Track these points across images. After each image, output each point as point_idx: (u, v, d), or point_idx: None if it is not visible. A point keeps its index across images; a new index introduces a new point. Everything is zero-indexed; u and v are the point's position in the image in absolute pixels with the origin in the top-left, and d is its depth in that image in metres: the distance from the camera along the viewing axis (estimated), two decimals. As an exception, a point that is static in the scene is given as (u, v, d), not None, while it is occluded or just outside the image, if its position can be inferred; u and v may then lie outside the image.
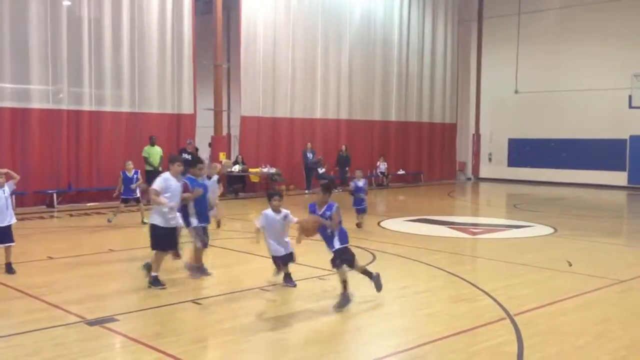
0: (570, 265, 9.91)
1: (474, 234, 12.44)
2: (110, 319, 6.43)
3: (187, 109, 18.92)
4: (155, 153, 17.19)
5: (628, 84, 23.33)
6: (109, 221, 13.32)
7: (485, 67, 28.64)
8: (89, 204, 16.72)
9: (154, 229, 7.72)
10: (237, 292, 7.88)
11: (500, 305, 7.15)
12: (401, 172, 25.66)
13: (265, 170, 20.54)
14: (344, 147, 22.89)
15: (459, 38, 28.55)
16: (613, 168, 24.90)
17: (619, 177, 24.78)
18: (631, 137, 24.49)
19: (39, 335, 5.97)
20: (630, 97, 23.02)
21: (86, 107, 16.94)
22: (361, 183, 12.93)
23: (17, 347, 5.66)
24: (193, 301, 7.16)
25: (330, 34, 22.89)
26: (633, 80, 23.25)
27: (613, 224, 15.74)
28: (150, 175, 17.20)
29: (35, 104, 16.14)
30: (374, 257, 9.96)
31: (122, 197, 13.60)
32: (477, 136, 28.87)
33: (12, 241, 8.44)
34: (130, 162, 13.88)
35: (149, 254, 8.10)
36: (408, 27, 25.90)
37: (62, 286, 7.94)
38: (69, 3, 16.67)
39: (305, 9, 21.96)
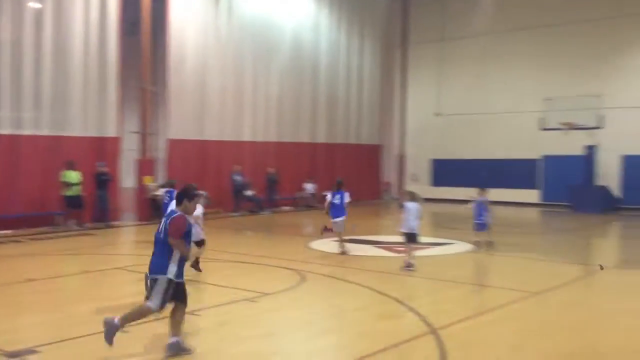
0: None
1: (399, 252, 12.78)
2: (31, 351, 6.19)
3: (111, 131, 18.50)
4: (74, 177, 16.67)
5: (540, 107, 24.83)
6: None
7: (409, 90, 29.67)
8: (2, 232, 15.88)
9: None
10: (164, 318, 7.73)
11: (425, 321, 7.41)
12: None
13: (192, 193, 20.26)
14: (272, 170, 22.98)
15: (384, 62, 29.44)
16: (527, 186, 26.28)
17: (532, 195, 26.19)
18: (543, 156, 25.96)
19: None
20: (541, 119, 24.48)
21: (4, 131, 16.24)
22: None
23: None
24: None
25: (260, 57, 23.04)
26: (544, 103, 24.78)
27: (528, 240, 16.59)
28: (69, 200, 16.65)
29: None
30: (303, 278, 10.06)
31: None
32: (401, 157, 29.72)
33: None
34: None
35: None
36: (336, 50, 26.50)
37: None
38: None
39: (235, 33, 22.03)
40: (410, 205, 10.99)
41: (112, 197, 18.00)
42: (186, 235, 6.13)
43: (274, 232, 18.05)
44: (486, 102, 27.04)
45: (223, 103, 21.75)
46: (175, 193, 12.45)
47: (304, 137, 25.17)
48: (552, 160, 25.69)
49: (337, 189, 12.91)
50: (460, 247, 13.96)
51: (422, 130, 29.10)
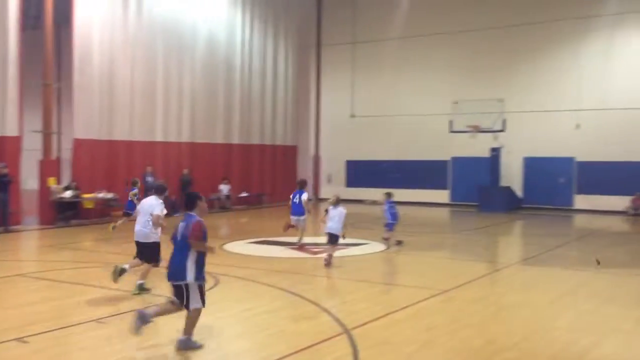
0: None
1: (315, 253, 12.86)
2: None
3: (10, 131, 17.45)
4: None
5: (449, 110, 25.74)
6: None
7: (324, 92, 29.94)
8: None
9: None
10: (67, 327, 7.39)
11: (339, 321, 7.47)
12: (244, 194, 25.75)
13: (100, 195, 19.50)
14: (186, 171, 22.49)
15: (299, 63, 29.52)
16: (438, 187, 27.20)
17: (443, 195, 27.14)
18: (452, 158, 26.95)
19: None
20: (450, 122, 25.40)
21: None
22: None
23: None
24: (18, 339, 6.59)
25: (172, 56, 22.49)
26: (453, 107, 25.72)
27: (438, 239, 17.16)
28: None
29: None
30: (217, 281, 9.90)
31: None
32: (316, 158, 29.94)
33: None
34: None
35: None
36: (250, 51, 26.29)
37: None
38: None
39: (144, 30, 21.34)
40: (333, 209, 11.51)
41: (13, 200, 16.98)
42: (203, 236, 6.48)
43: (187, 234, 17.63)
44: (399, 104, 27.72)
45: (133, 102, 21.04)
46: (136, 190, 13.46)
47: (219, 138, 24.81)
48: (460, 162, 26.71)
49: (299, 188, 13.90)
50: (373, 247, 14.21)
51: (337, 132, 29.45)
